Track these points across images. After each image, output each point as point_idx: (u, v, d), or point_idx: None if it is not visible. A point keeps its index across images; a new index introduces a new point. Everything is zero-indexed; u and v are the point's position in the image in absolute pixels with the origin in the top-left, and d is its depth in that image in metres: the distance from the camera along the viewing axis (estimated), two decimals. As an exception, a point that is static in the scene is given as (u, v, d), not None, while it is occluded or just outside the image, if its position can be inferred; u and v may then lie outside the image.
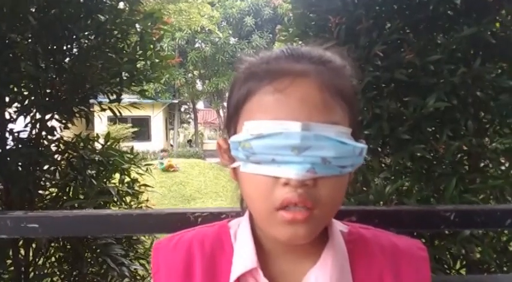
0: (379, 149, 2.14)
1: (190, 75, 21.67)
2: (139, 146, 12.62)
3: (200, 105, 29.11)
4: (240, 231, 0.70)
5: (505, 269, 1.99)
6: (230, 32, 21.18)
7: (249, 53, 0.70)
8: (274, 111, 0.58)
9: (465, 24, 1.93)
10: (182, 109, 27.58)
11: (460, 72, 1.88)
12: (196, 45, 21.38)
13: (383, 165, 2.19)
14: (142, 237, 2.95)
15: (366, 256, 0.68)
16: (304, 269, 0.65)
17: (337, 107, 0.60)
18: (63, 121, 2.68)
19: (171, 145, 22.77)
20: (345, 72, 0.65)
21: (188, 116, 29.50)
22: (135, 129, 15.52)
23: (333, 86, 0.60)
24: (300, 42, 2.42)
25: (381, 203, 1.96)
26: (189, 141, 25.50)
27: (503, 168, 2.03)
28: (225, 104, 0.77)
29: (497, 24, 2.04)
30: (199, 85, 23.28)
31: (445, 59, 1.91)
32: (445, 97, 1.88)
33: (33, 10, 2.42)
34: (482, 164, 2.09)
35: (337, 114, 0.59)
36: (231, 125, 0.66)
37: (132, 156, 2.90)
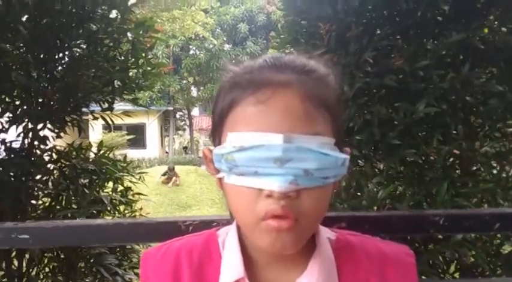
0: (371, 154, 2.15)
1: (185, 82, 21.66)
2: (134, 154, 12.60)
3: (195, 111, 29.10)
4: (228, 240, 0.70)
5: (498, 272, 2.00)
6: (224, 38, 21.23)
7: (236, 59, 0.70)
8: (257, 123, 0.58)
9: (454, 29, 1.95)
10: (177, 116, 27.53)
11: (449, 77, 1.90)
12: (191, 52, 21.41)
13: (376, 170, 2.19)
14: (137, 246, 2.93)
15: (353, 263, 0.68)
16: (291, 278, 0.65)
17: (320, 117, 0.60)
18: (56, 130, 2.67)
19: (167, 152, 22.70)
20: (328, 82, 0.65)
21: (183, 122, 29.45)
22: (130, 136, 15.47)
23: (315, 96, 0.60)
24: (291, 49, 2.44)
25: (375, 208, 1.97)
26: (185, 148, 25.43)
27: (494, 171, 2.04)
28: (212, 112, 0.77)
29: (486, 30, 2.07)
30: (194, 92, 23.28)
31: (434, 65, 1.93)
32: (435, 102, 1.89)
33: (24, 19, 2.42)
34: (473, 168, 2.10)
35: (319, 125, 0.59)
36: (215, 134, 0.66)
37: (125, 165, 2.89)
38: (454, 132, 1.97)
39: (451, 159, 2.07)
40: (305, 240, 0.62)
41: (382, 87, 2.01)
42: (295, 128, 0.57)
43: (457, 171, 2.05)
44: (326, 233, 0.71)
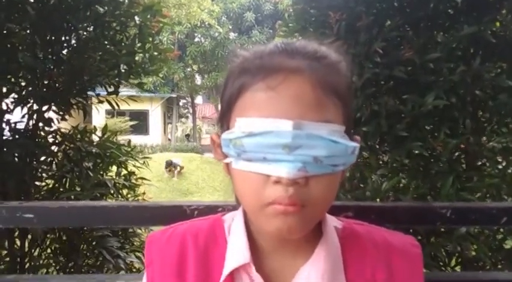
0: (377, 146, 2.14)
1: (189, 69, 21.61)
2: (137, 140, 12.60)
3: (199, 99, 29.06)
4: (234, 226, 0.70)
5: (499, 266, 2.00)
6: (230, 27, 21.11)
7: (243, 46, 0.69)
8: (266, 109, 0.57)
9: (465, 23, 1.93)
10: (181, 103, 27.54)
11: (459, 70, 1.88)
12: (196, 39, 21.31)
13: (380, 162, 2.19)
14: (139, 230, 2.95)
15: (359, 252, 0.68)
16: (297, 265, 0.65)
17: (331, 104, 0.59)
18: (61, 113, 2.67)
19: (169, 139, 22.74)
20: (339, 68, 0.64)
21: (186, 110, 29.46)
22: (133, 122, 15.49)
23: (326, 83, 0.59)
24: (300, 38, 2.41)
25: (378, 199, 1.97)
26: (187, 135, 25.47)
27: (500, 167, 2.04)
28: (220, 97, 0.76)
29: (498, 24, 2.04)
30: (198, 80, 23.23)
31: (444, 58, 1.91)
32: (443, 95, 1.88)
33: (32, 0, 2.40)
34: (479, 163, 2.10)
35: (330, 112, 0.58)
36: (224, 120, 0.65)
37: (129, 149, 2.89)
38: (462, 126, 1.96)
39: (457, 153, 2.06)
40: (312, 225, 0.62)
41: (391, 79, 1.99)
42: (305, 115, 0.56)
43: (463, 166, 2.05)
44: (333, 222, 0.71)
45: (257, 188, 0.58)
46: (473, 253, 1.94)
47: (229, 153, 0.61)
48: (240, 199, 0.64)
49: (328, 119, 0.58)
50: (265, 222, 0.60)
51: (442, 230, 1.89)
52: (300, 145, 0.55)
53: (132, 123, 15.22)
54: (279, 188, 0.56)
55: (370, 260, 0.67)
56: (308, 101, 0.57)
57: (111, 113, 13.49)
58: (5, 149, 2.45)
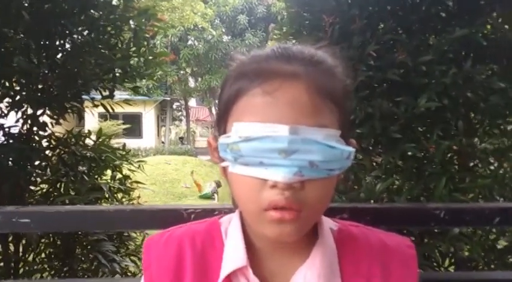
0: (371, 148, 2.16)
1: (182, 72, 21.57)
2: (130, 143, 12.49)
3: (192, 102, 28.98)
4: (231, 229, 0.71)
5: (492, 266, 2.02)
6: (223, 30, 21.12)
7: (241, 51, 0.70)
8: (263, 114, 0.58)
9: (457, 25, 1.96)
10: (174, 106, 27.45)
11: (451, 73, 1.90)
12: (189, 42, 21.29)
13: (374, 164, 2.21)
14: (134, 234, 2.94)
15: (355, 254, 0.69)
16: (293, 267, 0.66)
17: (327, 109, 0.60)
18: (55, 117, 2.66)
19: (163, 142, 22.67)
20: (336, 73, 0.65)
21: (180, 113, 29.38)
22: (127, 126, 15.42)
23: (323, 88, 0.60)
24: (294, 41, 2.43)
25: (372, 201, 1.99)
26: (181, 138, 25.41)
27: (492, 168, 2.06)
28: (217, 101, 0.76)
29: (489, 27, 2.07)
30: (191, 82, 23.19)
31: (436, 60, 1.94)
32: (436, 97, 1.90)
33: (26, 5, 2.40)
34: (471, 164, 2.12)
35: (326, 117, 0.59)
36: (220, 123, 0.66)
37: (124, 153, 2.88)
38: (454, 128, 1.98)
39: (450, 155, 2.08)
40: (307, 229, 0.63)
41: (385, 81, 2.01)
42: (301, 120, 0.57)
43: (456, 167, 2.07)
44: (329, 224, 0.72)
45: (254, 192, 0.59)
46: (467, 253, 1.96)
47: (226, 158, 0.62)
48: (237, 202, 0.65)
49: (324, 123, 0.59)
50: (262, 227, 0.61)
51: (436, 230, 1.91)
52: (296, 150, 0.56)
53: (125, 126, 15.15)
54: (275, 192, 0.57)
55: (365, 262, 0.68)
56: (304, 106, 0.58)
57: (104, 117, 13.42)
58: (-1, 154, 2.44)
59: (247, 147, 0.58)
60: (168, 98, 22.38)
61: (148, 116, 21.06)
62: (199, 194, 11.28)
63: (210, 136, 0.69)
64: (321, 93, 0.59)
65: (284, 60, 0.62)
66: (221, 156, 0.63)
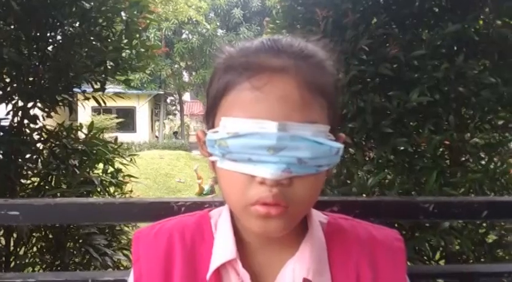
0: (363, 142, 2.17)
1: (176, 66, 21.48)
2: (124, 137, 12.46)
3: (186, 96, 28.89)
4: (221, 222, 0.70)
5: (482, 260, 2.04)
6: (218, 23, 21.04)
7: (230, 43, 0.68)
8: (252, 110, 0.57)
9: (450, 21, 1.96)
10: (168, 100, 27.36)
11: (443, 67, 1.91)
12: (184, 36, 21.19)
13: (366, 158, 2.21)
14: (126, 228, 2.94)
15: (344, 247, 0.69)
16: (282, 260, 0.66)
17: (316, 104, 0.59)
18: (46, 109, 2.64)
19: (156, 137, 22.61)
20: (326, 67, 0.64)
21: (174, 107, 29.28)
22: (120, 120, 15.35)
23: (312, 83, 0.59)
24: (287, 34, 2.42)
25: (364, 195, 1.99)
26: (175, 133, 25.35)
27: (483, 162, 2.08)
28: (206, 94, 0.75)
29: (481, 22, 2.08)
30: (185, 76, 23.11)
31: (429, 55, 1.94)
32: (428, 92, 1.91)
33: (16, -5, 2.37)
34: (462, 158, 2.13)
35: (315, 112, 0.59)
36: (209, 117, 0.65)
37: (116, 147, 2.87)
38: (446, 122, 1.99)
39: (441, 149, 2.10)
40: (294, 224, 0.62)
41: (377, 76, 2.02)
42: (290, 116, 0.56)
43: (447, 161, 2.09)
44: (318, 217, 0.72)
45: (242, 188, 0.59)
46: (457, 247, 1.97)
47: (214, 153, 0.61)
48: (225, 197, 0.64)
49: (313, 119, 0.58)
50: (248, 221, 0.61)
51: (427, 224, 1.92)
52: (284, 146, 0.56)
53: (118, 120, 15.07)
54: (263, 189, 0.57)
55: (354, 255, 0.68)
56: (293, 101, 0.57)
57: (97, 110, 13.37)
58: (-11, 146, 2.42)
59: (235, 144, 0.57)
60: (162, 92, 22.29)
61: (142, 110, 20.98)
62: (201, 193, 11.16)
63: (199, 130, 0.68)
64: (310, 88, 0.59)
65: (273, 54, 0.61)
66: (209, 151, 0.62)
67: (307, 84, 0.58)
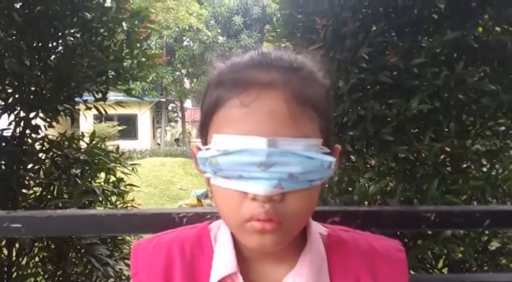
0: (364, 150, 2.17)
1: (178, 73, 21.56)
2: (125, 145, 12.54)
3: (188, 103, 28.93)
4: (220, 235, 0.71)
5: (485, 268, 2.03)
6: (219, 30, 21.14)
7: (221, 56, 0.68)
8: (241, 126, 0.57)
9: (449, 28, 1.96)
10: (170, 107, 27.42)
11: (443, 75, 1.91)
12: (185, 43, 21.29)
13: (368, 166, 2.21)
14: (128, 237, 2.93)
15: (344, 260, 0.69)
16: (282, 273, 0.66)
17: (306, 118, 0.59)
18: (48, 119, 2.65)
19: (158, 144, 22.62)
20: (316, 79, 0.64)
21: (176, 114, 29.33)
22: (122, 127, 15.39)
23: (301, 97, 0.59)
24: (287, 43, 2.44)
25: (366, 203, 1.99)
26: (177, 140, 25.37)
27: (484, 169, 2.07)
28: (200, 109, 0.75)
29: (480, 29, 2.08)
30: (187, 83, 23.18)
31: (428, 62, 1.94)
32: (428, 99, 1.91)
33: (18, 6, 2.39)
34: (464, 166, 2.13)
35: (306, 126, 0.59)
36: (203, 133, 0.66)
37: (117, 156, 2.88)
38: (446, 129, 1.99)
39: (442, 157, 2.09)
40: (290, 238, 0.62)
41: (377, 84, 2.02)
42: (280, 131, 0.56)
43: (448, 169, 2.08)
44: (318, 229, 0.72)
45: (235, 204, 0.59)
46: (460, 255, 1.97)
47: (206, 170, 0.62)
48: (220, 214, 0.64)
49: (303, 133, 0.58)
50: (244, 238, 0.61)
51: (429, 232, 1.91)
52: (274, 162, 0.56)
53: (120, 128, 15.12)
54: (255, 205, 0.57)
55: (354, 267, 0.68)
56: (283, 116, 0.57)
57: (99, 118, 13.39)
58: (-9, 157, 2.42)
59: (226, 161, 0.57)
60: (164, 99, 22.35)
61: (144, 118, 21.02)
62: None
63: (193, 144, 0.68)
64: (300, 102, 0.58)
65: (262, 69, 0.60)
66: (201, 169, 0.63)
67: (297, 98, 0.58)
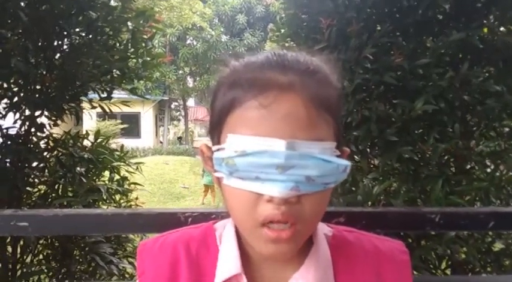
0: (368, 150, 2.17)
1: (181, 72, 21.57)
2: (128, 143, 12.53)
3: (191, 102, 28.95)
4: (225, 235, 0.70)
5: (489, 269, 2.03)
6: (222, 29, 21.13)
7: (232, 54, 0.68)
8: (259, 128, 0.57)
9: (454, 28, 1.96)
10: (172, 106, 27.44)
11: (448, 76, 1.91)
12: (188, 42, 21.30)
13: (371, 166, 2.21)
14: (132, 236, 2.94)
15: (349, 261, 0.69)
16: (287, 274, 0.66)
17: (322, 121, 0.59)
18: (53, 118, 2.66)
19: (161, 142, 22.66)
20: (331, 81, 0.64)
21: (178, 113, 29.37)
22: (125, 125, 15.40)
23: (318, 99, 0.59)
24: (292, 43, 2.44)
25: (369, 203, 1.99)
26: (179, 138, 25.39)
27: (488, 170, 2.07)
28: (210, 107, 0.73)
29: (485, 29, 2.08)
30: (190, 82, 23.20)
31: (433, 63, 1.94)
32: (433, 100, 1.91)
33: (24, 6, 2.40)
34: (468, 166, 2.12)
35: (322, 130, 0.59)
36: (214, 133, 0.65)
37: (121, 154, 2.89)
38: (451, 130, 1.99)
39: (446, 157, 2.09)
40: (302, 243, 0.62)
41: (381, 84, 2.02)
42: (298, 134, 0.56)
43: (452, 169, 2.08)
44: (323, 229, 0.72)
45: (249, 206, 0.58)
46: (463, 256, 1.96)
47: (221, 171, 0.61)
48: (231, 214, 0.64)
49: (320, 137, 0.58)
50: (257, 244, 0.61)
51: (433, 233, 1.91)
52: (293, 165, 0.56)
53: (123, 126, 15.12)
54: (271, 207, 0.57)
55: (359, 268, 0.68)
56: (300, 119, 0.57)
57: (102, 116, 13.42)
58: (-3, 155, 2.44)
59: (243, 162, 0.57)
60: (167, 98, 22.37)
61: (147, 116, 21.04)
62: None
63: (202, 144, 0.67)
64: (316, 105, 0.58)
65: (279, 70, 0.60)
66: (216, 169, 0.62)
67: (314, 102, 0.58)
